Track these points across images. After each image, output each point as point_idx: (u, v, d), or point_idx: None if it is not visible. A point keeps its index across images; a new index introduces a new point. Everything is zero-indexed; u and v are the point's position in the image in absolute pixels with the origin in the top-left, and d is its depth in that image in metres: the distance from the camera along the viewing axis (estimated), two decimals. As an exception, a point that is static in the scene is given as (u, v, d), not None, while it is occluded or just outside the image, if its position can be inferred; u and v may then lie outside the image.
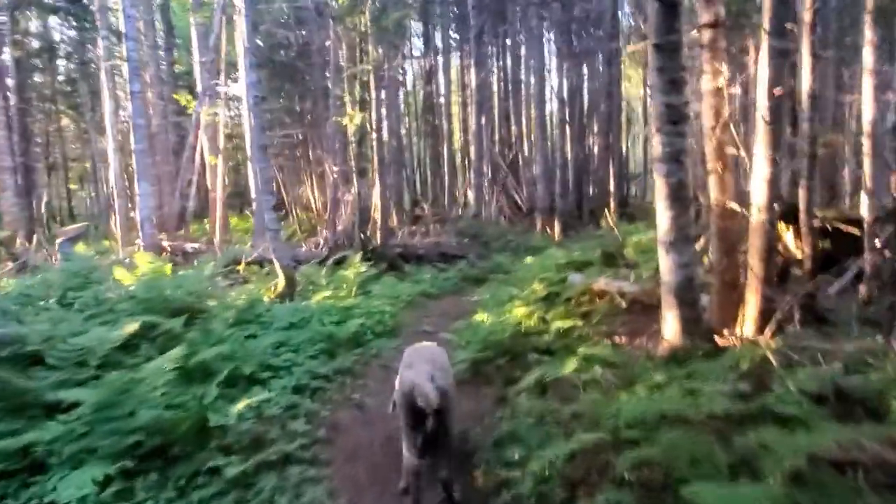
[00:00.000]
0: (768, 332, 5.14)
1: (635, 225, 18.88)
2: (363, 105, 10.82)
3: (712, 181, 6.00)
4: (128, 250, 10.90)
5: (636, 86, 32.61)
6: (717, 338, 5.40)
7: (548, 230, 17.48)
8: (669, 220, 5.60)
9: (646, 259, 9.38)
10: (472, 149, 18.41)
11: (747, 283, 5.57)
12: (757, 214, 5.37)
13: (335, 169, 11.82)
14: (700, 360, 4.74)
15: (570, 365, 4.80)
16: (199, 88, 15.08)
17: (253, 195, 13.03)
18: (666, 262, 5.58)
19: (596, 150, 21.53)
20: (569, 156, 19.02)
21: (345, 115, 10.82)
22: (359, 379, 6.04)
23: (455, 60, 27.36)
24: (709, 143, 6.01)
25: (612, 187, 20.47)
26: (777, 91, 5.06)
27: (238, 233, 18.13)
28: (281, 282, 8.91)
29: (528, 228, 18.96)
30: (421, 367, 3.50)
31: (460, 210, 22.49)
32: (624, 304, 7.44)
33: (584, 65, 20.86)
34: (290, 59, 17.78)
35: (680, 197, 5.69)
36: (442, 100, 25.41)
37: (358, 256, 10.44)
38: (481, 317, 7.23)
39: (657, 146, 5.63)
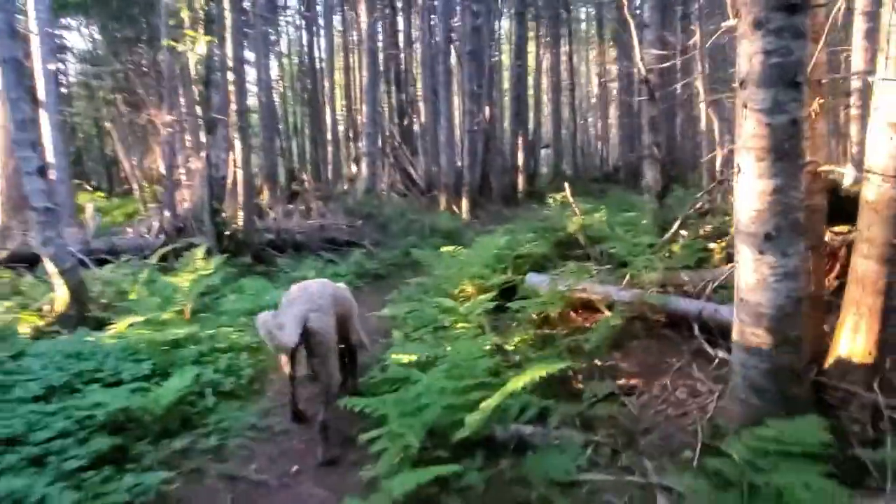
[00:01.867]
0: None
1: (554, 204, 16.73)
2: (209, 26, 7.28)
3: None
4: None
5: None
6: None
7: (455, 209, 14.74)
8: (765, 194, 3.02)
9: (611, 249, 6.90)
10: (364, 110, 15.08)
11: (848, 293, 3.34)
12: (877, 186, 2.94)
13: (167, 119, 8.13)
14: None
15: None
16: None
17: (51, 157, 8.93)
18: (752, 270, 3.15)
19: (507, 120, 19.04)
20: (476, 126, 16.28)
21: (182, 39, 7.23)
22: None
23: (337, 16, 23.67)
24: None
25: (520, 161, 18.13)
26: None
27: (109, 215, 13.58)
28: (61, 297, 5.33)
29: (427, 206, 16.13)
30: (296, 308, 3.56)
31: (346, 185, 19.17)
32: (618, 321, 4.81)
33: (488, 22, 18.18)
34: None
35: (789, 152, 3.09)
36: (323, 64, 21.62)
37: (204, 248, 6.97)
38: (402, 357, 4.23)
39: (749, 55, 3.02)
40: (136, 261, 7.33)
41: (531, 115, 22.84)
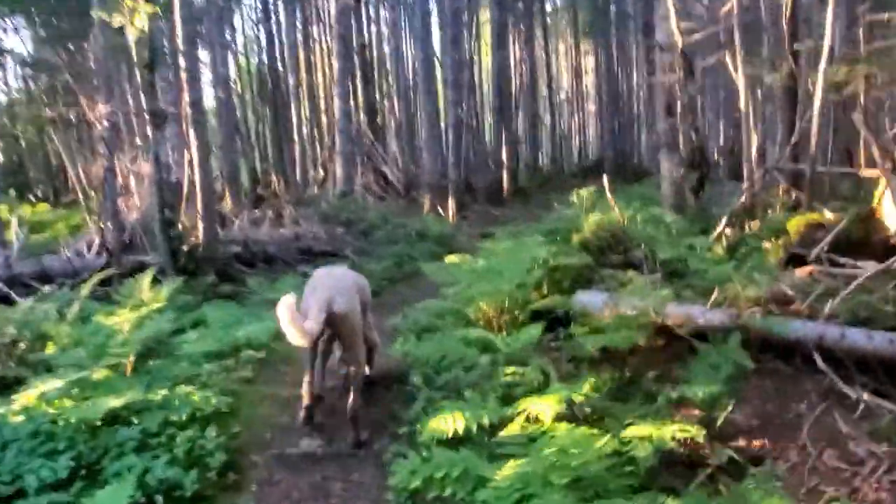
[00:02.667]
0: None
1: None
2: (153, -5, 5.80)
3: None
4: None
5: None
6: None
7: (440, 211, 13.43)
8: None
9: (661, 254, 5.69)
10: (335, 104, 13.62)
11: None
12: None
13: (102, 111, 6.59)
14: None
15: None
16: None
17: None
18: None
19: (489, 115, 17.83)
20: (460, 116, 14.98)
21: (119, 9, 5.74)
22: None
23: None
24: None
25: (505, 158, 16.92)
26: None
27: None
28: (-52, 350, 3.84)
29: (407, 209, 14.79)
30: (319, 293, 3.44)
31: (317, 188, 17.67)
32: (733, 355, 3.57)
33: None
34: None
35: None
36: (286, 58, 20.02)
37: (155, 269, 5.49)
38: (443, 425, 2.92)
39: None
40: (69, 289, 5.80)
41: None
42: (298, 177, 18.81)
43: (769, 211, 7.40)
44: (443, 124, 16.02)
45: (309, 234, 9.63)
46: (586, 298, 4.56)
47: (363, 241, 10.11)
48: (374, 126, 18.62)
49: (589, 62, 29.36)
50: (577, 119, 28.30)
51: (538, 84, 25.20)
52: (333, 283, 3.59)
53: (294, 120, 19.14)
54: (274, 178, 13.94)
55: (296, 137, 19.06)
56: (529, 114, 23.83)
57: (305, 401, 3.70)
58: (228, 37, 19.83)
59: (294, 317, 3.08)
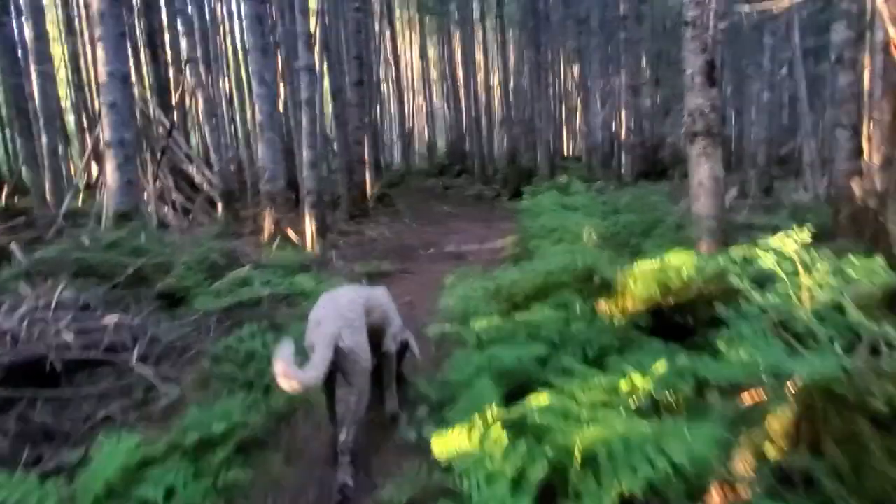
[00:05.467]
0: None
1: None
2: None
3: None
4: None
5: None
6: None
7: (291, 235, 8.62)
8: None
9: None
10: (101, 60, 7.86)
11: None
12: None
13: None
14: None
15: None
16: None
17: None
18: None
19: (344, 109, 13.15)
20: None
21: None
22: None
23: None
24: None
25: (367, 153, 12.44)
26: None
27: None
28: None
29: (226, 226, 9.74)
30: (324, 327, 2.97)
31: (79, 202, 11.58)
32: None
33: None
34: None
35: None
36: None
37: None
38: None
39: None
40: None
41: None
42: (49, 183, 12.39)
43: None
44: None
45: (49, 329, 4.36)
46: None
47: (166, 321, 5.07)
48: (171, 107, 12.92)
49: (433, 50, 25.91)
50: (424, 110, 24.62)
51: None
52: (339, 314, 3.08)
53: (37, 94, 12.57)
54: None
55: (41, 124, 12.53)
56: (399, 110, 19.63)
57: (340, 478, 2.86)
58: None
59: (290, 369, 2.61)
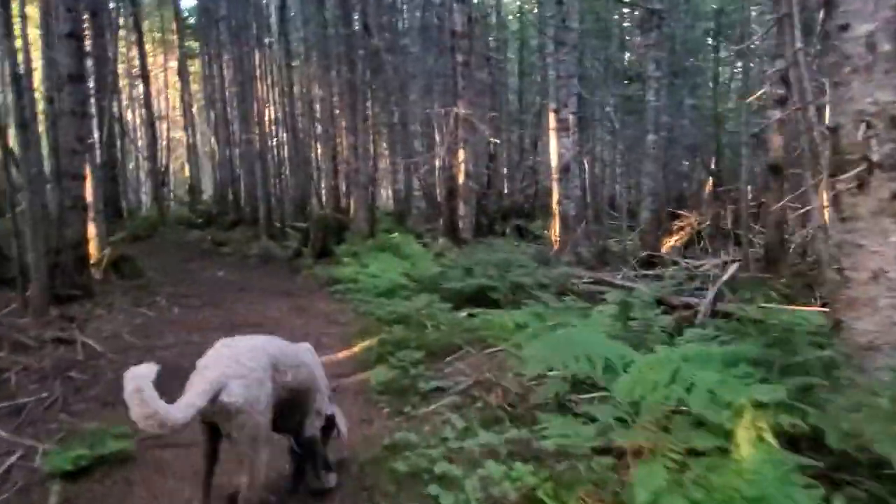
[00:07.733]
0: None
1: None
2: None
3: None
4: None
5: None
6: None
7: None
8: None
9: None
10: None
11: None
12: None
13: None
14: None
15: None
16: None
17: None
18: None
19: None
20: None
21: None
22: None
23: None
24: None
25: (93, 201, 7.85)
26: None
27: None
28: None
29: None
30: (210, 372, 2.22)
31: None
32: None
33: None
34: None
35: None
36: None
37: None
38: None
39: None
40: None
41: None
42: None
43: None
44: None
45: None
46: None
47: None
48: None
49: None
50: (185, 143, 19.67)
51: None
52: (231, 359, 2.29)
53: None
54: None
55: None
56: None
57: None
58: None
59: (148, 397, 1.84)
